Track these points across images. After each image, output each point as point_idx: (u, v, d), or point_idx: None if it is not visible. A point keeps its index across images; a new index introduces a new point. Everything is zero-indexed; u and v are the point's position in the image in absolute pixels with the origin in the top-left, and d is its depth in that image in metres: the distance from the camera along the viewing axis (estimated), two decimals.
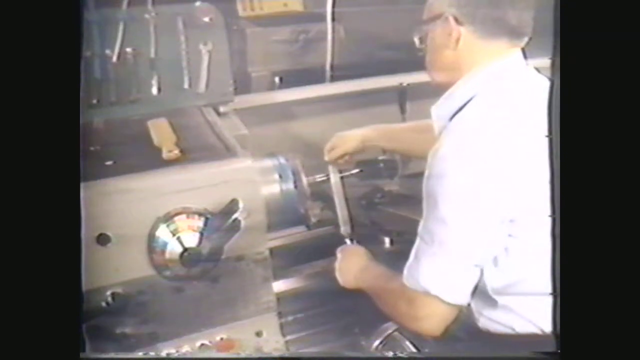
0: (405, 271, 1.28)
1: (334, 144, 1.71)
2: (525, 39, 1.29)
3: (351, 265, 1.50)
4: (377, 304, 1.39)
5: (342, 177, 1.67)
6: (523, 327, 1.27)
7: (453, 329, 1.30)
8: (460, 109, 1.27)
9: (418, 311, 1.26)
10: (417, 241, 1.26)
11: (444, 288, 1.22)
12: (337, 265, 1.51)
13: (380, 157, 1.79)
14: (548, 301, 1.03)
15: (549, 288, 1.03)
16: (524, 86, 1.29)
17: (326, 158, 1.69)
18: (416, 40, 1.37)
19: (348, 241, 1.60)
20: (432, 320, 1.25)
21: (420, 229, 1.26)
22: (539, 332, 1.25)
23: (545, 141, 1.02)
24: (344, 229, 1.60)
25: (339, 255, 1.53)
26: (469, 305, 1.31)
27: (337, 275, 1.50)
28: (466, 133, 1.23)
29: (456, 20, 1.26)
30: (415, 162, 1.75)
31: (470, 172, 1.19)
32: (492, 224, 1.20)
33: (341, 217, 1.61)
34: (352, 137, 1.71)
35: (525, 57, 1.31)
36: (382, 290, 1.38)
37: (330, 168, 1.68)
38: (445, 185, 1.20)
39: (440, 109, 1.33)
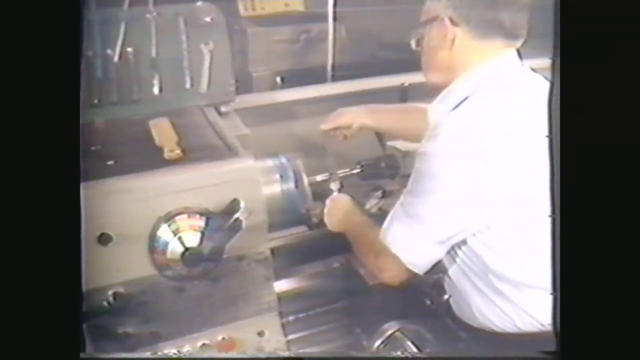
0: (383, 225, 1.37)
1: (329, 118, 1.75)
2: (521, 40, 1.30)
3: (337, 210, 1.56)
4: (353, 247, 1.51)
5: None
6: (524, 322, 1.28)
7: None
8: (456, 107, 1.28)
9: (380, 263, 1.38)
10: (398, 203, 1.34)
11: (404, 251, 1.32)
12: (325, 211, 1.57)
13: (382, 156, 1.79)
14: (547, 296, 1.03)
15: (543, 282, 1.03)
16: (519, 85, 1.31)
17: (321, 126, 1.74)
18: (412, 42, 1.38)
19: (336, 192, 1.66)
20: (390, 273, 1.37)
21: (404, 194, 1.33)
22: (541, 327, 1.26)
23: (538, 139, 1.03)
24: (333, 184, 1.67)
25: (327, 202, 1.59)
26: (469, 305, 1.34)
27: (326, 220, 1.56)
28: (460, 126, 1.25)
29: (452, 21, 1.28)
30: None
31: (460, 168, 1.22)
32: (469, 215, 1.26)
33: (331, 175, 1.68)
34: (346, 112, 1.74)
35: (520, 57, 1.31)
36: (359, 236, 1.49)
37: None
38: (434, 175, 1.25)
39: (436, 109, 1.36)
